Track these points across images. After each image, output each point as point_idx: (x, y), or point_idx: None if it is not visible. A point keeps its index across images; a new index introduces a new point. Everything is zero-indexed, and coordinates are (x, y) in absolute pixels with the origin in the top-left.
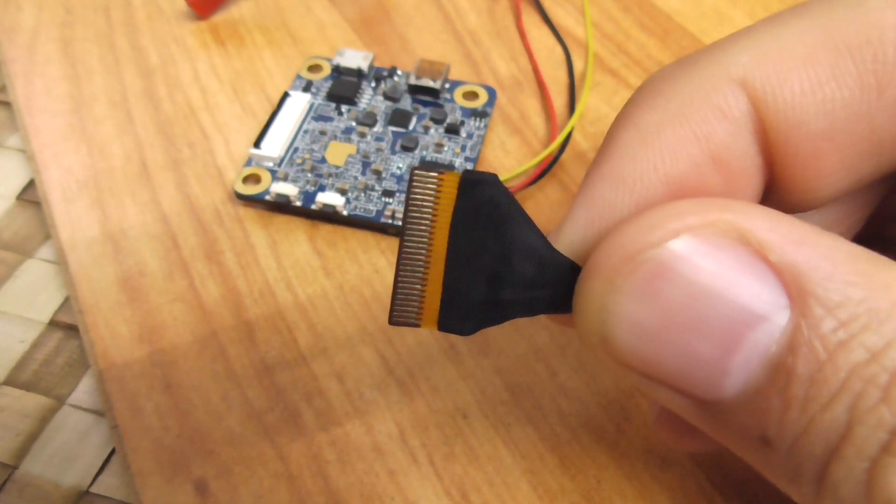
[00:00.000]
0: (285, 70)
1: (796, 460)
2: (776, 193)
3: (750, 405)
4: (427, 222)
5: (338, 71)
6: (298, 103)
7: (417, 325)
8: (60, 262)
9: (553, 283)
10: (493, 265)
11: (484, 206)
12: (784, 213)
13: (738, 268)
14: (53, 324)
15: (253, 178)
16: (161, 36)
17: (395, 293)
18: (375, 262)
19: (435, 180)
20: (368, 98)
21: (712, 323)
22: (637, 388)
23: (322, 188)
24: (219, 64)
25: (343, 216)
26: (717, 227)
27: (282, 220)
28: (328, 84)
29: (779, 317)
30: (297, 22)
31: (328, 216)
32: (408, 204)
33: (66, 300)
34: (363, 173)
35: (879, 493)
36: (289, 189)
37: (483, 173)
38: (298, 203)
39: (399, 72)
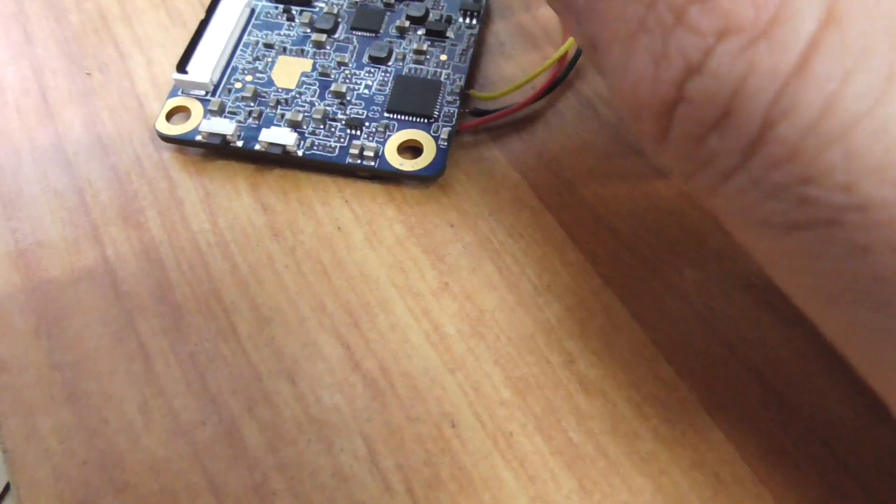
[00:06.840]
0: None
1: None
2: None
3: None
4: None
5: None
6: (235, 6)
7: None
8: None
9: None
10: None
11: None
12: None
13: None
14: None
15: (179, 113)
16: None
17: None
18: (338, 215)
19: None
20: None
21: None
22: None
23: (268, 122)
24: None
25: (296, 157)
26: None
27: (217, 165)
28: None
29: None
30: None
31: (277, 158)
32: None
33: None
34: (321, 97)
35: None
36: (224, 126)
37: None
38: (238, 143)
39: None
